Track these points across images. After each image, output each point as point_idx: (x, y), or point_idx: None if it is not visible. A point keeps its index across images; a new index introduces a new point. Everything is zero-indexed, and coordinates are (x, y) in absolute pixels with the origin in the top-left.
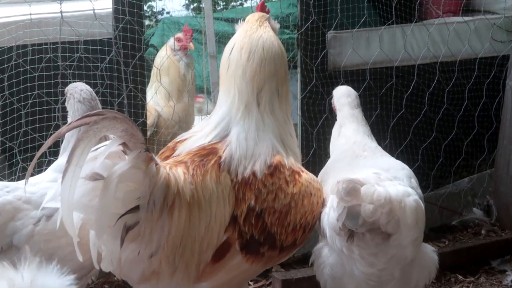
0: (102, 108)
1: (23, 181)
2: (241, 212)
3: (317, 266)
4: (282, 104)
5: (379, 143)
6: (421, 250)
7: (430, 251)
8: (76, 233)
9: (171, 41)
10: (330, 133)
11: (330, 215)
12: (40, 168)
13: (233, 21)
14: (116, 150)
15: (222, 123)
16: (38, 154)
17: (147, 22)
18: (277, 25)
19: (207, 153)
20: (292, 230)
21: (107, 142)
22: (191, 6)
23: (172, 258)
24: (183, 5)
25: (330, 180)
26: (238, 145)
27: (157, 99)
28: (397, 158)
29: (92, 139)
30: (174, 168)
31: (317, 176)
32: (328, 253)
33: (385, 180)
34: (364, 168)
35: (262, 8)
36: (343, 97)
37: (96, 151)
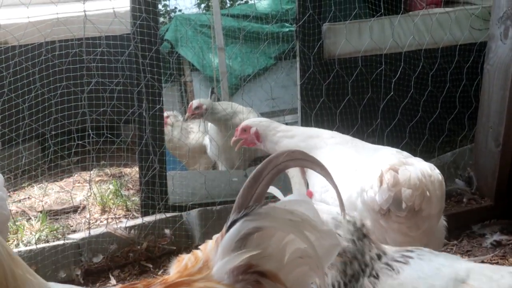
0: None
1: None
2: None
3: None
4: None
5: (371, 124)
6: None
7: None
8: None
9: None
10: (326, 115)
11: (369, 196)
12: (69, 151)
13: (238, 16)
14: None
15: None
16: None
17: (161, 19)
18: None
19: None
20: None
21: None
22: (202, 5)
23: None
24: (195, 4)
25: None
26: None
27: None
28: (387, 136)
29: None
30: None
31: None
32: None
33: (407, 157)
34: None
35: None
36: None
37: None
